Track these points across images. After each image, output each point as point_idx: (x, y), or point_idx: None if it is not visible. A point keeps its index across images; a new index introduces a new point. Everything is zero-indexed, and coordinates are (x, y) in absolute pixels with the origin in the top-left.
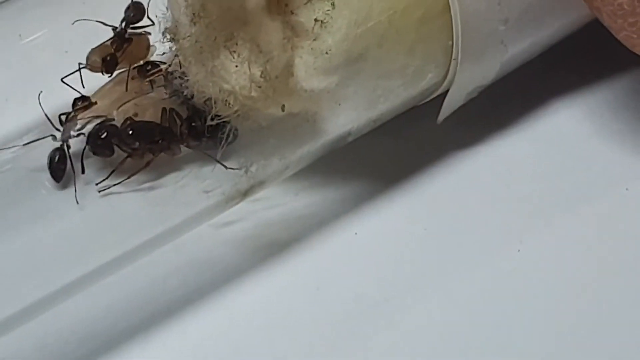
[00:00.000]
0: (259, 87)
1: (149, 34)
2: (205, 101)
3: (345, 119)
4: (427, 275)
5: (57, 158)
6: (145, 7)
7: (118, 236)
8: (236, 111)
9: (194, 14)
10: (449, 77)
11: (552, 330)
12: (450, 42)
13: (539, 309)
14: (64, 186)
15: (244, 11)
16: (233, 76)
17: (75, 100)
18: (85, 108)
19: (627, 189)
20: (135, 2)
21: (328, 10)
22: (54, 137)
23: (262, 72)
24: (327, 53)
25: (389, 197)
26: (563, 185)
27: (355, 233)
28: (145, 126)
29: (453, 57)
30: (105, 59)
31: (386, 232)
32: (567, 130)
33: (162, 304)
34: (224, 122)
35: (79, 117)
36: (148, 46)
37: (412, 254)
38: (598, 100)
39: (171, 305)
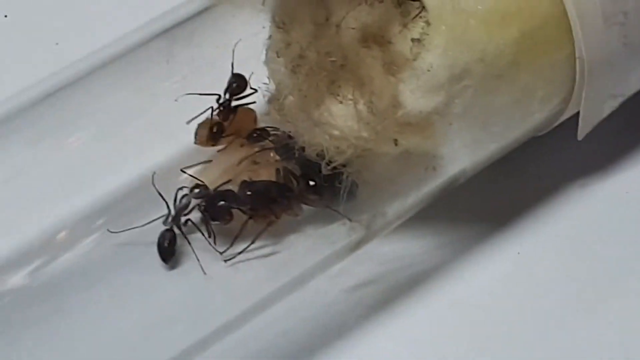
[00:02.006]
0: (368, 123)
1: (254, 102)
2: (317, 153)
3: (460, 141)
4: (573, 328)
5: (166, 241)
6: (247, 78)
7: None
8: (349, 155)
9: (292, 65)
10: (576, 89)
11: None
12: (558, 57)
13: None
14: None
15: (341, 49)
16: (341, 119)
17: (193, 188)
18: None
19: None
20: (237, 73)
21: (424, 28)
22: (166, 220)
23: (368, 107)
24: (428, 70)
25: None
26: None
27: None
28: (263, 185)
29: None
30: (212, 129)
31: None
32: None
33: None
34: (339, 170)
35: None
36: (255, 118)
37: (540, 307)
38: None
39: None
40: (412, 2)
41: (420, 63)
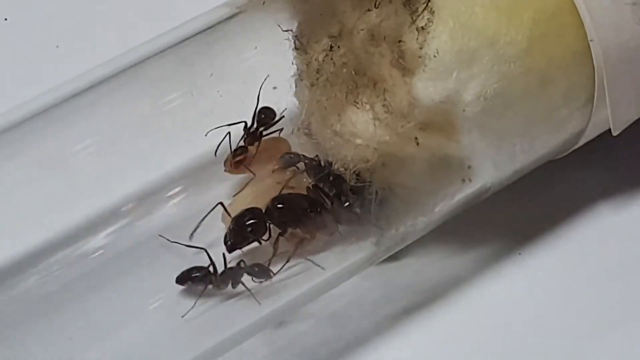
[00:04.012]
0: (387, 125)
1: (282, 129)
2: (343, 165)
3: (483, 139)
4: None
5: (194, 272)
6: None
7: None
8: (374, 162)
9: (311, 81)
10: (597, 78)
11: None
12: (576, 46)
13: None
14: None
15: (353, 53)
16: (362, 126)
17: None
18: None
19: None
20: (265, 107)
21: (428, 17)
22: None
23: (384, 106)
24: (435, 56)
25: (523, 257)
26: None
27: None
28: (293, 197)
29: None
30: (235, 155)
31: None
32: None
33: None
34: (367, 182)
35: None
36: (289, 148)
37: (557, 319)
38: None
39: None
40: None
41: (427, 50)
